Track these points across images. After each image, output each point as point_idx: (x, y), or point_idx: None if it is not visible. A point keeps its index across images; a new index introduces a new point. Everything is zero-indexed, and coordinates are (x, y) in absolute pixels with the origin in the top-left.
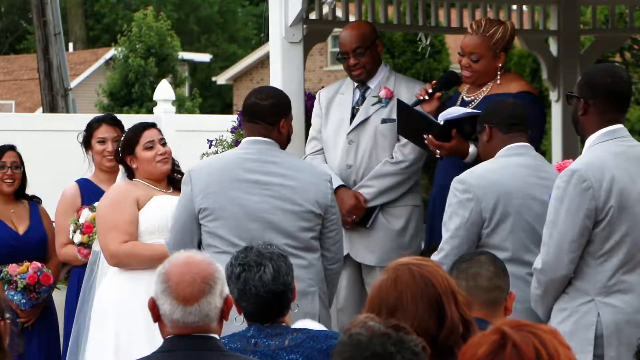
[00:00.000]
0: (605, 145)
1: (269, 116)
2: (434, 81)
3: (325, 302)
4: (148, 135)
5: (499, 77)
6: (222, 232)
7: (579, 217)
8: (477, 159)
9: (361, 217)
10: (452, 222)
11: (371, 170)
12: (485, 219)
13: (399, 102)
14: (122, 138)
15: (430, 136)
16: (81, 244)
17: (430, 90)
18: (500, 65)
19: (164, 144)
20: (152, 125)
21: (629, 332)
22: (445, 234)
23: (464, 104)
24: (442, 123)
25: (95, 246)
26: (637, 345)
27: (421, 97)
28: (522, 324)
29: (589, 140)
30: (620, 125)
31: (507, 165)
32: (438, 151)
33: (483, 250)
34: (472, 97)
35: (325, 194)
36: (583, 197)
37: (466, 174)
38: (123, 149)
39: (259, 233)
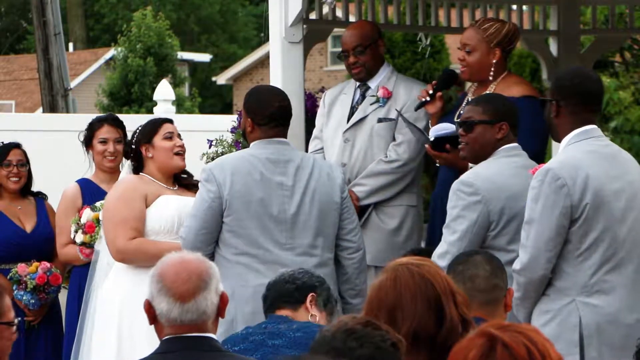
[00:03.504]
0: (579, 145)
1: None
2: (434, 82)
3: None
4: (168, 127)
5: (492, 74)
6: (245, 232)
7: (555, 215)
8: None
9: None
10: (459, 224)
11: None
12: (492, 222)
13: (402, 116)
14: (139, 129)
15: (427, 146)
16: (83, 243)
17: (431, 92)
18: (494, 61)
19: (181, 139)
20: (171, 121)
21: (610, 332)
22: (450, 236)
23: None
24: (432, 139)
25: (97, 246)
26: (637, 345)
27: (423, 99)
28: (505, 325)
29: (564, 142)
30: (594, 126)
31: (510, 167)
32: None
33: (477, 249)
34: None
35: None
36: (558, 195)
37: (471, 176)
38: (140, 138)
39: (284, 234)
